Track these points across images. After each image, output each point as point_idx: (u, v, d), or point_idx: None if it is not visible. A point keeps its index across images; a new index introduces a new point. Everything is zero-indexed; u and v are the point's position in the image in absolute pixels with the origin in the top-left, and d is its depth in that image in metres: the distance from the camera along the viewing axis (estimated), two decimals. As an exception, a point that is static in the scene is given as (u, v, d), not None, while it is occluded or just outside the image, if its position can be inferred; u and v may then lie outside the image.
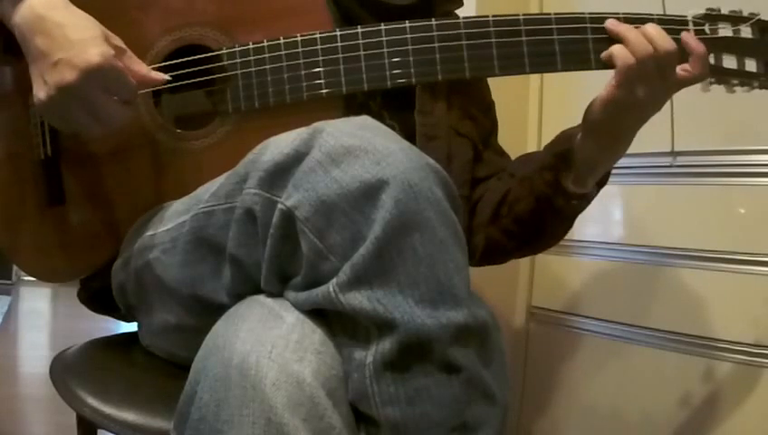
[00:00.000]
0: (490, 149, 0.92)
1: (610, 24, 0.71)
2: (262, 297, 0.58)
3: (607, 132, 0.74)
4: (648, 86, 0.70)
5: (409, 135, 0.80)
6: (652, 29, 0.69)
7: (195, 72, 0.75)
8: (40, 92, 0.65)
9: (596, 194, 0.81)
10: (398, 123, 0.81)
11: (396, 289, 0.50)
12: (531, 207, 0.82)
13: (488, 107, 0.94)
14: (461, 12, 0.87)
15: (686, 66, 0.70)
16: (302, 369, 0.50)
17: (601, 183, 0.81)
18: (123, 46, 0.68)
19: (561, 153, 0.78)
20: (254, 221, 0.57)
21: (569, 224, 0.84)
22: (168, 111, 0.80)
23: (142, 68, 0.69)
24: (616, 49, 0.70)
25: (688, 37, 0.71)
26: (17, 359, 2.24)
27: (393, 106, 0.82)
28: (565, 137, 0.80)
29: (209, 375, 0.53)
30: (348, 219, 0.51)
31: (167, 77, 0.71)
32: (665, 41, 0.69)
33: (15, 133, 0.81)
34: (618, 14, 0.72)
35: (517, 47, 0.72)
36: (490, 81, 0.95)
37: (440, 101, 0.84)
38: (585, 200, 0.80)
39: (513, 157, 0.95)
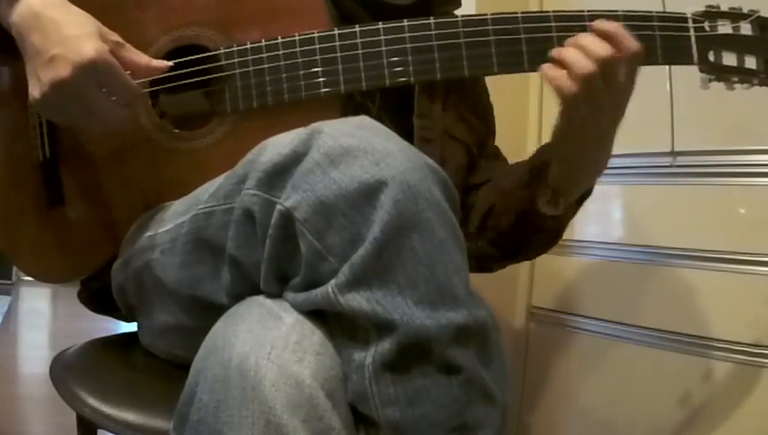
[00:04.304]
0: (486, 155, 0.92)
1: (554, 53, 0.68)
2: (261, 298, 0.58)
3: (570, 156, 0.74)
4: (593, 101, 0.67)
5: (407, 138, 0.80)
6: (586, 39, 0.66)
7: (193, 72, 0.75)
8: (34, 90, 0.65)
9: (573, 213, 0.80)
10: (395, 126, 0.81)
11: (395, 290, 0.50)
12: (512, 222, 0.82)
13: (485, 111, 0.94)
14: (460, 10, 0.87)
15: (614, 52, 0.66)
16: (301, 370, 0.50)
17: (582, 198, 0.80)
18: (120, 40, 0.68)
19: (537, 172, 0.78)
20: (253, 222, 0.57)
21: (554, 236, 0.84)
22: (167, 111, 0.80)
23: (143, 58, 0.69)
24: (556, 78, 0.67)
25: (596, 24, 0.67)
26: (17, 359, 2.24)
27: (391, 108, 0.82)
28: (542, 153, 0.79)
29: (208, 376, 0.53)
30: (347, 220, 0.51)
31: (169, 63, 0.72)
32: (600, 48, 0.66)
33: (13, 135, 0.81)
34: (616, 11, 0.72)
35: (516, 45, 0.72)
36: (490, 81, 0.95)
37: (437, 104, 0.84)
38: (561, 219, 0.80)
39: (510, 158, 0.94)
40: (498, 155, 0.94)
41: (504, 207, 0.83)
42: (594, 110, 0.68)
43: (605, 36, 0.66)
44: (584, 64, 0.65)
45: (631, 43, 0.66)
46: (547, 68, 0.68)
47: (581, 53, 0.66)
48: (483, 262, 0.89)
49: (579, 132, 0.70)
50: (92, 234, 0.80)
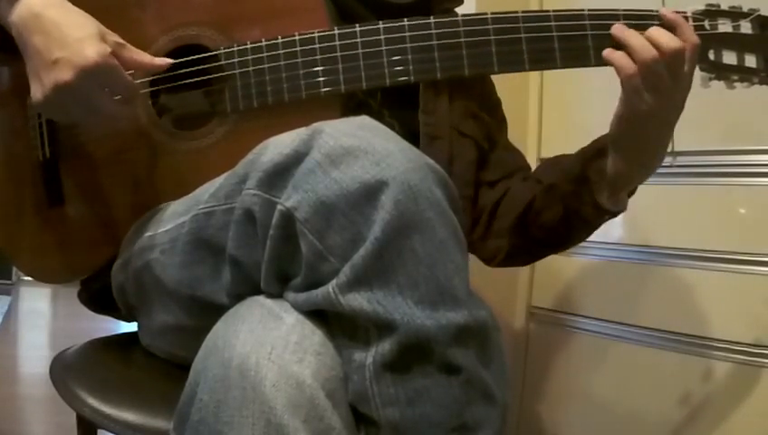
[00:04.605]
0: (499, 148, 0.91)
1: (616, 30, 0.70)
2: (261, 298, 0.58)
3: (631, 147, 0.73)
4: (658, 91, 0.68)
5: (411, 134, 0.80)
6: (655, 31, 0.68)
7: (193, 71, 0.75)
8: (36, 92, 0.65)
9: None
10: (398, 122, 0.81)
11: (396, 290, 0.50)
12: (559, 216, 0.81)
13: (494, 106, 0.94)
14: (460, 9, 0.87)
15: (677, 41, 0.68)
16: (301, 370, 0.50)
17: (630, 193, 0.80)
18: (121, 41, 0.68)
19: (595, 166, 0.77)
20: (254, 222, 0.57)
21: (594, 229, 0.84)
22: (167, 111, 0.80)
23: (144, 57, 0.70)
24: (617, 58, 0.69)
25: (665, 11, 0.70)
26: (17, 359, 2.24)
27: (394, 104, 0.82)
28: (597, 148, 0.78)
29: (209, 376, 0.53)
30: (347, 220, 0.51)
31: (170, 60, 0.72)
32: (670, 40, 0.67)
33: (13, 135, 0.81)
34: (617, 10, 0.72)
35: (516, 44, 0.72)
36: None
37: (442, 100, 0.84)
38: (618, 214, 0.80)
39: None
40: (509, 147, 0.94)
41: (547, 201, 0.82)
42: (660, 100, 0.69)
43: (672, 25, 0.68)
44: (647, 50, 0.67)
45: (694, 35, 0.68)
46: (608, 52, 0.70)
47: (647, 41, 0.67)
48: (514, 258, 0.90)
49: (643, 122, 0.70)
50: (92, 234, 0.80)
